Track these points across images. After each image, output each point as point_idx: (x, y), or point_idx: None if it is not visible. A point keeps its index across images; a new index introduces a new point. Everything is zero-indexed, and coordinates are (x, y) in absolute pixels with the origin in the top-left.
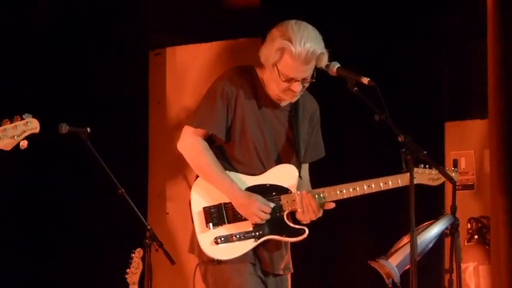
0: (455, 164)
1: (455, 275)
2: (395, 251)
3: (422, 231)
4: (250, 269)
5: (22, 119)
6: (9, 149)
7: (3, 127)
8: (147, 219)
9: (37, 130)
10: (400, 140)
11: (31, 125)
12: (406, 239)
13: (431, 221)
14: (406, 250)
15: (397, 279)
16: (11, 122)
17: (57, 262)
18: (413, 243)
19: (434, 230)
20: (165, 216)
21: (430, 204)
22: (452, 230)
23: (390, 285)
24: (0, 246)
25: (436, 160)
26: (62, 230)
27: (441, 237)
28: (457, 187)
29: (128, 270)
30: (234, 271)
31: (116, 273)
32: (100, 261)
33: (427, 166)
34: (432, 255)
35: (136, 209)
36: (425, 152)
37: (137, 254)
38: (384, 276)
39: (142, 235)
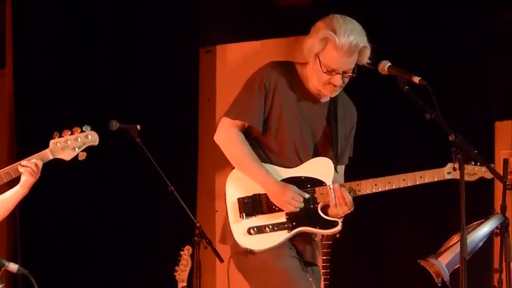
0: (506, 163)
1: (505, 274)
2: (445, 250)
3: (472, 230)
4: (289, 252)
5: (82, 130)
6: (69, 159)
7: (65, 138)
8: (196, 216)
9: (96, 143)
10: (451, 139)
11: (91, 137)
12: (455, 238)
13: (481, 220)
14: (456, 249)
15: (446, 278)
16: (71, 133)
17: (106, 259)
18: (463, 242)
19: (484, 229)
20: (214, 214)
21: (479, 203)
22: (502, 229)
23: (440, 284)
24: (52, 243)
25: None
26: (111, 227)
27: (490, 236)
28: (506, 186)
29: (176, 267)
30: (274, 257)
31: (165, 270)
32: (149, 259)
33: (478, 164)
34: (482, 255)
35: (185, 206)
36: (475, 151)
37: (186, 252)
38: (434, 275)
39: (191, 233)
